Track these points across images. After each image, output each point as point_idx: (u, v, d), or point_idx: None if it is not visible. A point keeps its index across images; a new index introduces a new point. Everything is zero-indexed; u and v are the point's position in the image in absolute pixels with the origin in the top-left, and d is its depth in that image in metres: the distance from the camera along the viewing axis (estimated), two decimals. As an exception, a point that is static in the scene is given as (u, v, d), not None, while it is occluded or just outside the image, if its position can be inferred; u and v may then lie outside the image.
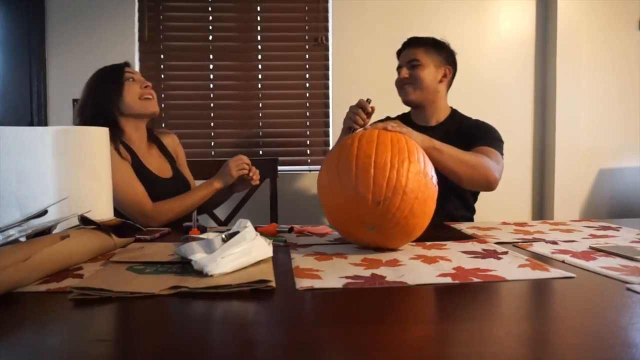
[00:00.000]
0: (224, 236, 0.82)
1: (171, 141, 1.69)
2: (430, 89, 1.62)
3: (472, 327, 0.57)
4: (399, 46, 1.71)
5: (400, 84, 1.65)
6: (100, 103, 1.45)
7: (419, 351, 0.51)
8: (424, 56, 1.61)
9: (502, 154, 1.51)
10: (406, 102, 1.67)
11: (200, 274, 0.74)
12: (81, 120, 1.45)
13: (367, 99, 1.39)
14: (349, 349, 0.51)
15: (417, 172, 0.91)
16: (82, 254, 0.85)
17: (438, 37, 1.68)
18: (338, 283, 0.73)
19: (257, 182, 1.57)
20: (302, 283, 0.73)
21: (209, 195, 1.50)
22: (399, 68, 1.66)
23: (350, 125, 1.38)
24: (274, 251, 0.86)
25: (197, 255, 0.78)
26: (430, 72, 1.61)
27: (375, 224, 0.90)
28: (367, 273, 0.78)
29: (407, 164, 0.90)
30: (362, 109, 1.37)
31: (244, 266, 0.77)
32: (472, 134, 1.54)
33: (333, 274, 0.78)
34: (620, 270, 0.78)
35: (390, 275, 0.77)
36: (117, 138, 1.46)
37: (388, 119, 1.75)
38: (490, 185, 1.39)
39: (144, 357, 0.50)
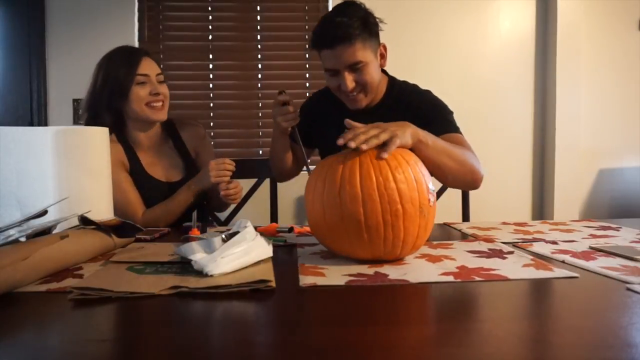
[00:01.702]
0: (224, 236, 0.82)
1: (190, 136, 1.56)
2: (378, 82, 1.34)
3: (471, 327, 0.57)
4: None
5: (345, 93, 1.31)
6: (105, 100, 1.38)
7: (419, 351, 0.51)
8: (364, 51, 1.25)
9: (458, 127, 1.34)
10: (356, 109, 1.35)
11: (200, 274, 0.74)
12: (88, 116, 1.41)
13: (281, 92, 1.32)
14: (348, 349, 0.51)
15: (414, 214, 0.81)
16: (82, 254, 0.85)
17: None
18: (341, 281, 0.74)
19: (235, 200, 1.40)
20: (306, 280, 0.74)
21: (189, 199, 1.39)
22: (333, 72, 1.29)
23: (287, 127, 1.33)
24: (279, 249, 0.86)
25: (197, 255, 0.78)
26: (374, 65, 1.30)
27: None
28: (370, 271, 0.79)
29: (402, 213, 0.80)
30: (286, 103, 1.30)
31: (244, 266, 0.77)
32: (426, 115, 1.29)
33: (337, 272, 0.79)
34: (620, 270, 0.78)
35: (393, 273, 0.78)
36: (122, 140, 1.43)
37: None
38: (475, 184, 1.21)
39: (144, 357, 0.50)
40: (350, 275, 0.77)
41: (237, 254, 0.77)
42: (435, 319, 0.63)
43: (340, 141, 0.87)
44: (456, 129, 1.33)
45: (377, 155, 0.84)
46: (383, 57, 1.35)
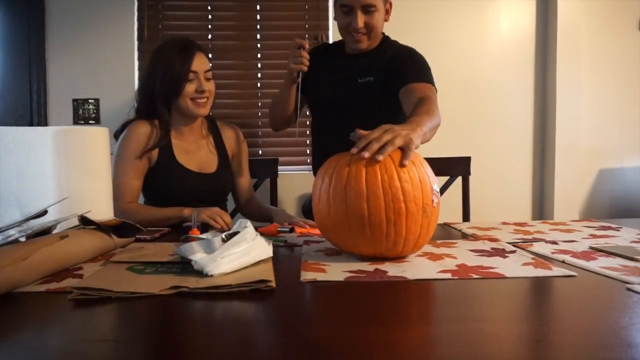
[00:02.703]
0: (224, 236, 0.82)
1: (230, 137, 1.64)
2: (380, 33, 1.55)
3: (468, 326, 0.57)
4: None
5: (353, 32, 1.48)
6: (159, 92, 1.45)
7: (417, 348, 0.51)
8: None
9: (434, 83, 1.46)
10: (355, 50, 1.55)
11: (200, 274, 0.74)
12: (140, 104, 1.51)
13: (301, 37, 1.49)
14: (347, 347, 0.51)
15: (417, 213, 0.82)
16: (82, 254, 0.85)
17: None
18: (340, 277, 0.75)
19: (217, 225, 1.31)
20: (306, 276, 0.76)
21: (172, 220, 1.34)
22: (347, 9, 1.46)
23: (294, 69, 1.48)
24: (283, 247, 0.86)
25: (197, 255, 0.78)
26: (381, 15, 1.49)
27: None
28: (371, 268, 0.81)
29: (405, 211, 0.81)
30: (301, 48, 1.46)
31: (244, 266, 0.77)
32: (404, 65, 1.48)
33: (338, 268, 0.81)
34: (620, 270, 0.78)
35: (393, 270, 0.79)
36: (163, 127, 1.48)
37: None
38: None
39: (144, 357, 0.50)
40: (350, 271, 0.78)
41: (237, 254, 0.77)
42: (431, 316, 0.63)
43: (354, 150, 0.86)
44: (429, 80, 1.45)
45: (399, 163, 0.85)
46: (388, 12, 1.53)
